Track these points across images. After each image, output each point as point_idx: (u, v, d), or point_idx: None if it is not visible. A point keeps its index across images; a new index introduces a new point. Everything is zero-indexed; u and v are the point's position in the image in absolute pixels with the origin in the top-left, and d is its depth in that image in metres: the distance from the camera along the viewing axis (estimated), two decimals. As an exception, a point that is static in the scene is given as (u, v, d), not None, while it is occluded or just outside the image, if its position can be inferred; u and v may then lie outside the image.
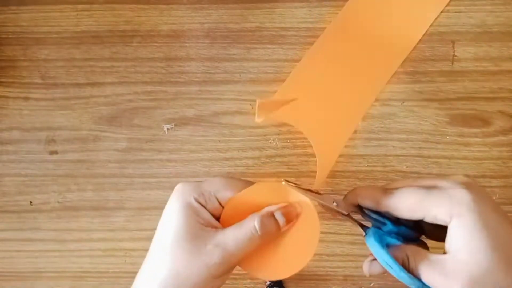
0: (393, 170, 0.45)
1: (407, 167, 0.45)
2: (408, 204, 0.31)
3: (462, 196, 0.29)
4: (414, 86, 0.46)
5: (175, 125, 0.47)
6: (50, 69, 0.48)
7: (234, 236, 0.31)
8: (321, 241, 0.45)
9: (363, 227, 0.34)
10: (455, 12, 0.47)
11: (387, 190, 0.32)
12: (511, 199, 0.45)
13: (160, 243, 0.32)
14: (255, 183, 0.34)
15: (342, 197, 0.35)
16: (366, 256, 0.45)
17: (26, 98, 0.47)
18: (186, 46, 0.47)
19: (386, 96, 0.46)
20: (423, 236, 0.34)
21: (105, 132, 0.47)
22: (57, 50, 0.48)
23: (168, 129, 0.47)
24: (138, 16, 0.48)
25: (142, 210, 0.46)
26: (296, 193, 0.34)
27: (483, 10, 0.47)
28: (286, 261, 0.34)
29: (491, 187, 0.45)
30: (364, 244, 0.45)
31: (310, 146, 0.46)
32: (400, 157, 0.46)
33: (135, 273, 0.46)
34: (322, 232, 0.46)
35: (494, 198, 0.45)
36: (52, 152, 0.47)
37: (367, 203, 0.32)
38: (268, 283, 0.45)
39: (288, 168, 0.46)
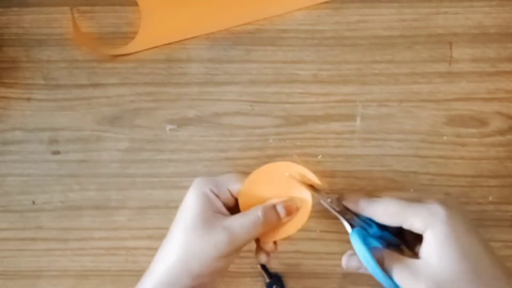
0: (391, 170, 0.46)
1: (404, 167, 0.46)
2: (387, 211, 0.35)
3: (437, 210, 0.33)
4: (411, 87, 0.47)
5: (177, 125, 0.47)
6: (52, 70, 0.48)
7: (240, 221, 0.36)
8: (320, 239, 0.46)
9: (351, 225, 0.37)
10: (453, 13, 0.47)
11: (370, 198, 0.37)
12: (508, 199, 0.46)
13: (178, 225, 0.37)
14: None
15: (337, 195, 0.39)
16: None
17: (28, 99, 0.48)
18: (187, 48, 0.48)
19: (383, 97, 0.47)
20: (404, 245, 0.38)
21: (107, 132, 0.47)
22: (59, 52, 0.48)
23: (170, 129, 0.47)
24: (140, 18, 0.48)
25: (144, 209, 0.47)
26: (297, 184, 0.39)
27: (480, 12, 0.47)
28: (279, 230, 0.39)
29: (489, 187, 0.46)
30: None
31: (310, 146, 0.46)
32: (397, 157, 0.46)
33: (138, 271, 0.46)
34: (321, 231, 0.46)
35: (490, 198, 0.46)
36: (55, 152, 0.47)
37: (352, 207, 0.37)
38: (268, 281, 0.45)
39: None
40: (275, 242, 0.39)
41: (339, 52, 0.47)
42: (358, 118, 0.46)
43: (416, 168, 0.46)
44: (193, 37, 0.48)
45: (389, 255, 0.34)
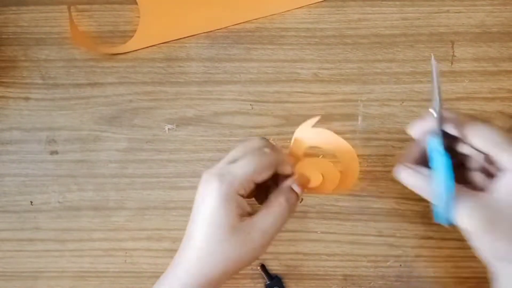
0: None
1: (406, 167, 0.45)
2: (490, 135, 0.33)
3: None
4: (413, 86, 0.46)
5: (176, 125, 0.47)
6: (50, 69, 0.48)
7: (268, 219, 0.35)
8: (320, 240, 0.46)
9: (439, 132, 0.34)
10: (455, 12, 0.47)
11: (471, 118, 0.35)
12: (510, 199, 0.45)
13: (207, 238, 0.34)
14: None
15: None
16: (365, 256, 0.45)
17: (26, 98, 0.48)
18: (186, 46, 0.47)
19: (385, 96, 0.46)
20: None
21: (105, 132, 0.47)
22: (57, 51, 0.48)
23: (169, 129, 0.47)
24: (138, 17, 0.48)
25: (143, 210, 0.46)
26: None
27: (483, 11, 0.47)
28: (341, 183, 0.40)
29: (491, 187, 0.45)
30: (364, 244, 0.45)
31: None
32: (399, 157, 0.46)
33: (136, 272, 0.46)
34: (321, 232, 0.46)
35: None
36: (53, 152, 0.47)
37: (449, 125, 0.34)
38: (268, 283, 0.45)
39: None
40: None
41: (340, 51, 0.47)
42: (360, 118, 0.46)
43: (418, 168, 0.45)
44: (192, 36, 0.47)
45: (459, 189, 0.33)
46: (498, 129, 0.34)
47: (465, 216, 0.32)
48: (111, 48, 0.47)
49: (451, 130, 0.34)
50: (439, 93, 0.34)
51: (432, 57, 0.34)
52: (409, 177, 0.35)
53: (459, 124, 0.34)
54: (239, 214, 0.34)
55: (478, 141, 0.34)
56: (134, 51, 0.47)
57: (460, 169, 0.36)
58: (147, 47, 0.47)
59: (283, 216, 0.36)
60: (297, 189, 0.37)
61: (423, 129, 0.35)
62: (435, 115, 0.34)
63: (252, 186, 0.35)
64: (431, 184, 0.34)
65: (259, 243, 0.34)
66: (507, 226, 0.32)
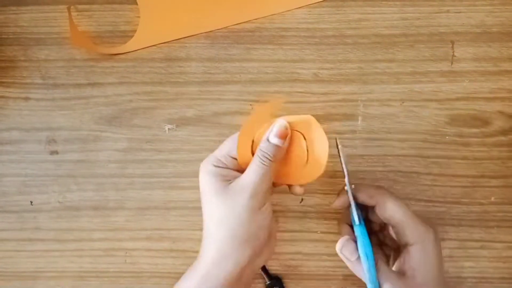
0: (393, 170, 0.46)
1: (406, 167, 0.46)
2: (396, 210, 0.38)
3: (431, 232, 0.38)
4: (413, 86, 0.46)
5: (176, 125, 0.47)
6: (50, 70, 0.48)
7: (250, 174, 0.36)
8: (321, 240, 0.46)
9: (358, 217, 0.38)
10: (455, 12, 0.47)
11: (383, 190, 0.40)
12: (510, 199, 0.45)
13: (207, 209, 0.37)
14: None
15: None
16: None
17: (26, 99, 0.48)
18: (186, 46, 0.47)
19: (385, 96, 0.46)
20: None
21: (105, 132, 0.47)
22: (57, 51, 0.48)
23: (169, 129, 0.47)
24: (138, 17, 0.48)
25: (143, 210, 0.46)
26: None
27: (483, 11, 0.47)
28: (309, 167, 0.39)
29: (490, 187, 0.45)
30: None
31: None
32: (399, 157, 0.46)
33: (136, 272, 0.46)
34: (322, 232, 0.46)
35: (492, 199, 0.45)
36: (53, 152, 0.47)
37: (361, 196, 0.39)
38: (268, 283, 0.45)
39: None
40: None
41: (340, 51, 0.47)
42: (360, 118, 0.46)
43: (418, 168, 0.45)
44: (192, 36, 0.47)
45: (380, 258, 0.38)
46: (403, 205, 0.38)
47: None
48: (111, 48, 0.47)
49: (366, 200, 0.39)
50: (347, 169, 0.39)
51: (337, 139, 0.39)
52: (341, 245, 0.39)
53: (370, 196, 0.39)
54: (225, 180, 0.36)
55: (385, 213, 0.38)
56: (134, 51, 0.47)
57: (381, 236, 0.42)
58: (147, 47, 0.47)
59: (261, 168, 0.36)
60: (274, 140, 0.37)
61: (343, 202, 0.40)
62: (346, 188, 0.39)
63: (233, 161, 0.38)
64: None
65: (248, 194, 0.35)
66: None
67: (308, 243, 0.46)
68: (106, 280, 0.46)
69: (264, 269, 0.45)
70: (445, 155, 0.46)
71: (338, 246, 0.38)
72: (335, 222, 0.45)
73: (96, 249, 0.46)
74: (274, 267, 0.46)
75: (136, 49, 0.47)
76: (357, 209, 0.38)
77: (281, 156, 0.37)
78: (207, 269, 0.36)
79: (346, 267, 0.45)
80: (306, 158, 0.38)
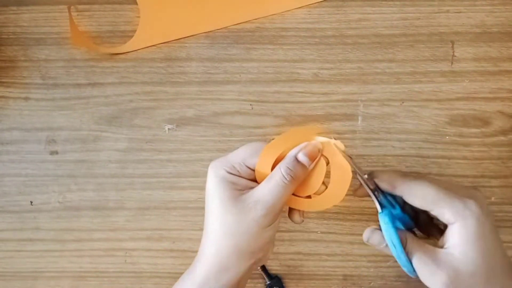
0: (393, 170, 0.45)
1: (406, 167, 0.46)
2: (425, 195, 0.34)
3: (471, 206, 0.33)
4: (413, 86, 0.46)
5: (176, 125, 0.47)
6: (50, 69, 0.48)
7: (268, 189, 0.35)
8: (320, 240, 0.46)
9: (380, 205, 0.36)
10: (455, 12, 0.47)
11: (406, 176, 0.35)
12: (510, 199, 0.45)
13: (211, 216, 0.36)
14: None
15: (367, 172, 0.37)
16: (365, 256, 0.45)
17: (26, 99, 0.48)
18: (186, 46, 0.47)
19: (385, 96, 0.46)
20: (417, 228, 0.38)
21: (105, 132, 0.47)
22: (57, 51, 0.48)
23: (169, 129, 0.47)
24: (138, 17, 0.48)
25: (143, 210, 0.46)
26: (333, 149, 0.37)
27: (483, 11, 0.47)
28: (326, 194, 0.37)
29: (491, 187, 0.45)
30: (364, 244, 0.45)
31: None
32: (399, 157, 0.46)
33: (136, 273, 0.46)
34: (321, 232, 0.46)
35: (492, 199, 0.45)
36: (53, 152, 0.47)
37: (385, 186, 0.36)
38: (268, 283, 0.45)
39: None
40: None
41: (340, 51, 0.47)
42: (360, 118, 0.46)
43: (418, 168, 0.45)
44: (192, 36, 0.47)
45: (411, 239, 0.34)
46: (431, 185, 0.34)
47: (426, 275, 0.33)
48: (111, 48, 0.47)
49: (389, 190, 0.36)
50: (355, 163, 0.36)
51: (361, 178, 0.36)
52: (369, 235, 0.36)
53: (394, 184, 0.35)
54: (236, 189, 0.35)
55: (415, 201, 0.35)
56: (134, 51, 0.47)
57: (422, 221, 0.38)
58: (147, 47, 0.47)
59: (284, 187, 0.35)
60: (302, 158, 0.36)
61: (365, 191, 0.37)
62: (365, 176, 0.36)
63: (247, 170, 0.36)
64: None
65: (259, 213, 0.34)
66: (466, 283, 0.32)
67: (308, 243, 0.46)
68: (106, 280, 0.46)
69: (264, 269, 0.45)
70: (445, 155, 0.46)
71: (364, 237, 0.36)
72: (335, 222, 0.45)
73: (96, 249, 0.46)
74: (274, 267, 0.46)
75: (136, 49, 0.47)
76: (378, 197, 0.36)
77: (303, 178, 0.36)
78: (206, 278, 0.35)
79: (346, 267, 0.45)
80: (325, 186, 0.37)
